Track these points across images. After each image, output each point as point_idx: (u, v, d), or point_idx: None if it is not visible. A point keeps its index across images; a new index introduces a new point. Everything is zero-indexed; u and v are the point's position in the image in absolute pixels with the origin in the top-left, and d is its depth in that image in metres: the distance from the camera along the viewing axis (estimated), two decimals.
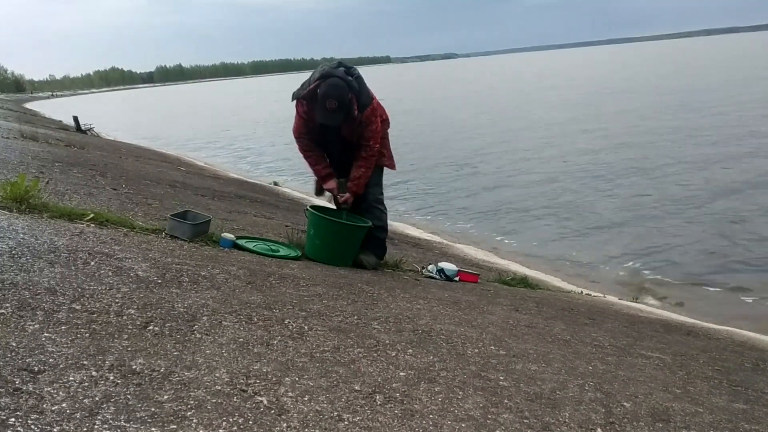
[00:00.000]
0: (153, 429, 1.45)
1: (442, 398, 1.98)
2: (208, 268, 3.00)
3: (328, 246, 3.98)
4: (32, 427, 1.35)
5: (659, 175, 10.93)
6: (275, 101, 41.72)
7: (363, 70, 4.20)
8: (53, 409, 1.44)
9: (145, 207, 4.79)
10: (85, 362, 1.71)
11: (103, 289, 2.35)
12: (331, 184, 4.10)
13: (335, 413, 1.73)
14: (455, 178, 12.38)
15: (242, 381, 1.81)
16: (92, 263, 2.63)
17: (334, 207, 4.26)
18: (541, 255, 7.43)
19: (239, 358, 1.97)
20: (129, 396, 1.58)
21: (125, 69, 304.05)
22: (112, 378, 1.65)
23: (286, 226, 5.35)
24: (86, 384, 1.59)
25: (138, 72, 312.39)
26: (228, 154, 18.54)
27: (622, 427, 2.03)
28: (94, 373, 1.66)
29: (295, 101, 4.02)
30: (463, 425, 1.82)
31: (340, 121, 3.86)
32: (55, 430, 1.36)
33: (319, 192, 4.28)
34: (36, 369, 1.61)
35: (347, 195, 4.06)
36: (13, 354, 1.67)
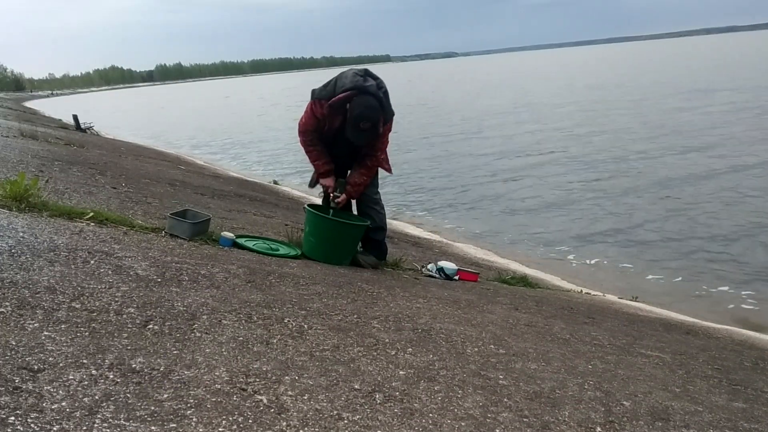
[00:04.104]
0: (153, 428, 1.45)
1: (441, 397, 1.98)
2: (207, 267, 3.00)
3: (323, 244, 3.97)
4: (32, 425, 1.35)
5: (659, 174, 10.94)
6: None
7: None
8: (53, 407, 1.44)
9: (145, 206, 4.79)
10: (84, 361, 1.71)
11: (103, 287, 2.35)
12: (329, 181, 4.07)
13: (335, 412, 1.73)
14: (455, 177, 12.38)
15: (242, 380, 1.81)
16: (92, 262, 2.63)
17: (321, 202, 4.26)
18: (541, 253, 7.44)
19: (239, 357, 1.97)
20: (129, 395, 1.58)
21: (125, 68, 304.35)
22: (111, 377, 1.65)
23: (286, 225, 5.35)
24: (86, 383, 1.59)
25: (138, 71, 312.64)
26: (227, 153, 18.54)
27: (622, 425, 2.03)
28: (93, 372, 1.66)
29: (312, 99, 3.91)
30: (462, 424, 1.82)
31: (369, 140, 3.84)
32: (54, 428, 1.36)
33: (313, 184, 4.26)
34: (36, 368, 1.61)
35: (343, 197, 4.04)
36: (12, 353, 1.67)
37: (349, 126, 3.76)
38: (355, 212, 4.33)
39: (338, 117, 3.83)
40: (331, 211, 4.09)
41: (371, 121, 3.71)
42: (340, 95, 3.76)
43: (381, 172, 4.30)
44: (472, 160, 14.04)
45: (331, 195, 4.08)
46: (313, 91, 3.93)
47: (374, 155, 3.99)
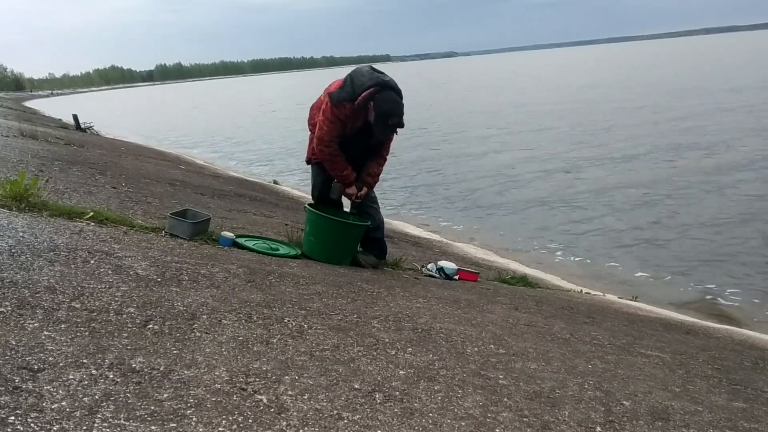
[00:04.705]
0: (153, 427, 1.45)
1: (441, 397, 1.98)
2: (207, 267, 3.00)
3: (323, 243, 3.97)
4: (32, 425, 1.35)
5: (658, 175, 10.95)
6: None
7: None
8: (53, 407, 1.44)
9: (145, 205, 4.79)
10: (84, 361, 1.71)
11: (103, 287, 2.35)
12: (353, 189, 4.07)
13: (335, 412, 1.73)
14: (455, 176, 12.38)
15: (242, 379, 1.81)
16: (92, 262, 2.63)
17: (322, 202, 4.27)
18: (541, 253, 7.44)
19: (239, 357, 1.97)
20: (129, 394, 1.58)
21: (125, 67, 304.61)
22: (111, 376, 1.65)
23: (286, 224, 5.35)
24: (86, 382, 1.59)
25: (138, 71, 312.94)
26: (227, 153, 18.53)
27: (622, 425, 2.03)
28: (93, 372, 1.66)
29: (333, 103, 3.82)
30: (462, 424, 1.82)
31: (393, 134, 3.93)
32: (54, 428, 1.36)
33: (338, 195, 4.17)
34: (36, 367, 1.61)
35: (364, 189, 4.07)
36: (12, 352, 1.67)
37: (377, 123, 3.78)
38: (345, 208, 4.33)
39: (361, 116, 3.84)
40: (356, 208, 4.15)
41: (399, 115, 3.78)
42: (364, 93, 3.73)
43: None
44: (471, 159, 14.04)
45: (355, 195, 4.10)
46: (331, 95, 3.84)
47: (388, 145, 4.09)
